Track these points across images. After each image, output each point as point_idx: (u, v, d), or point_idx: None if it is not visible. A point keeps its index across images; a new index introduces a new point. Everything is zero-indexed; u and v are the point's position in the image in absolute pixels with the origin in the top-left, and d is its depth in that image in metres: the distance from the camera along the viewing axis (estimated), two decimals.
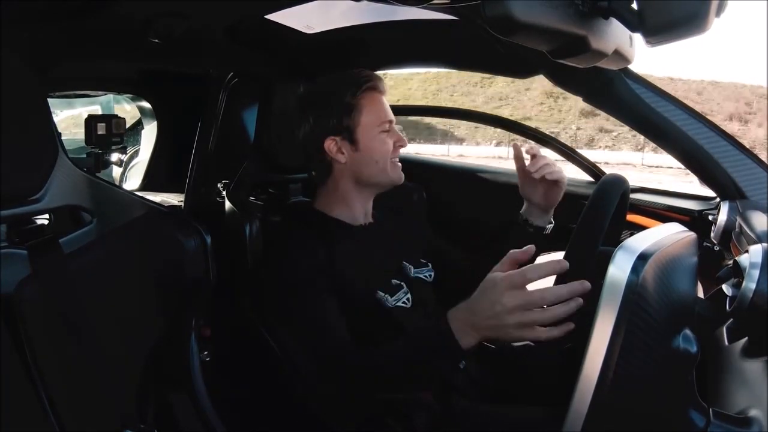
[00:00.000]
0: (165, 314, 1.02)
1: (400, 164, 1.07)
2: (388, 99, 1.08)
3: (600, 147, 23.76)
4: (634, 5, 0.54)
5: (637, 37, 0.63)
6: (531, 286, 0.72)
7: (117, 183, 1.98)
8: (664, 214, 1.28)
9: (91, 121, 1.53)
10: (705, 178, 1.10)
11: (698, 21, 0.51)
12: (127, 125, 1.84)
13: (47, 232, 0.83)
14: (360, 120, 1.03)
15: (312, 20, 1.13)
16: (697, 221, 1.19)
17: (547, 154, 1.15)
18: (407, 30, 1.19)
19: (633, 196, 1.32)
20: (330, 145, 1.04)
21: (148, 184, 1.86)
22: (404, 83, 29.90)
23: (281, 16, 1.06)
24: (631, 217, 1.26)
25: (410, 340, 0.87)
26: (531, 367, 1.07)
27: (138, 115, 2.05)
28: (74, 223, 0.99)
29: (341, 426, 1.00)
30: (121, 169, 2.06)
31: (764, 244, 0.67)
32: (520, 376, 1.06)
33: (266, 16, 1.03)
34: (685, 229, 0.65)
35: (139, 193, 1.28)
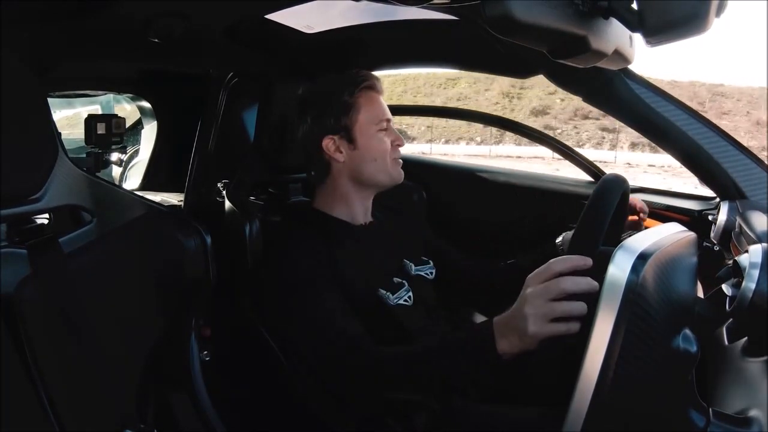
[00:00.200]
0: (165, 314, 1.02)
1: (400, 162, 1.07)
2: None
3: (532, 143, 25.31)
4: (634, 5, 0.54)
5: (637, 37, 0.63)
6: None
7: (117, 183, 1.98)
8: (664, 214, 1.28)
9: (90, 121, 1.53)
10: (705, 178, 1.10)
11: (698, 21, 0.51)
12: (127, 125, 1.84)
13: (47, 232, 0.83)
14: (357, 119, 1.03)
15: (312, 20, 1.13)
16: (697, 221, 1.19)
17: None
18: (407, 30, 1.19)
19: (633, 196, 1.32)
20: (328, 144, 1.04)
21: (148, 183, 1.86)
22: None
23: (281, 16, 1.06)
24: (631, 217, 1.26)
25: (446, 339, 0.85)
26: (531, 367, 1.07)
27: (138, 114, 2.05)
28: (74, 223, 0.99)
29: (341, 426, 1.00)
30: (121, 169, 2.06)
31: (764, 244, 0.67)
32: (520, 376, 1.06)
33: (266, 16, 1.03)
34: (685, 229, 0.65)
35: (139, 193, 1.28)
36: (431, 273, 1.11)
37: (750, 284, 0.61)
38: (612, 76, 1.05)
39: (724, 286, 0.69)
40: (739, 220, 0.99)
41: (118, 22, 0.88)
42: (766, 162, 1.07)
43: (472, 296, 1.18)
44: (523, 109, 29.12)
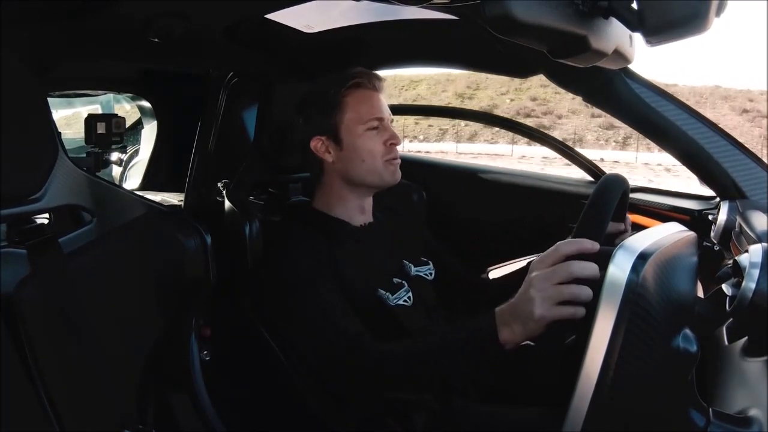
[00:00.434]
0: (165, 314, 1.02)
1: (396, 162, 1.05)
2: None
3: (480, 141, 27.74)
4: (634, 5, 0.54)
5: (637, 37, 0.63)
6: None
7: (117, 182, 1.98)
8: (664, 214, 1.28)
9: (91, 121, 1.53)
10: (705, 178, 1.10)
11: (698, 21, 0.51)
12: (127, 125, 1.84)
13: (47, 232, 0.83)
14: (343, 118, 1.02)
15: (312, 20, 1.13)
16: (697, 221, 1.19)
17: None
18: (407, 30, 1.19)
19: (633, 195, 1.32)
20: (317, 144, 1.04)
21: (148, 183, 1.86)
22: None
23: (281, 16, 1.06)
24: (631, 217, 1.26)
25: (449, 329, 0.85)
26: (531, 367, 1.07)
27: (138, 114, 2.05)
28: (74, 223, 0.99)
29: (341, 426, 1.00)
30: (121, 169, 2.06)
31: (764, 244, 0.67)
32: (520, 376, 1.06)
33: (266, 16, 1.03)
34: (685, 228, 0.65)
35: (139, 193, 1.28)
36: (431, 273, 1.11)
37: (750, 284, 0.61)
38: (612, 75, 1.05)
39: (724, 286, 0.69)
40: (739, 219, 0.99)
41: (118, 22, 0.88)
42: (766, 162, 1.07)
43: (471, 297, 1.17)
44: (471, 107, 30.73)
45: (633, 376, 0.52)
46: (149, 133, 1.91)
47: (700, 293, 0.91)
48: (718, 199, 1.13)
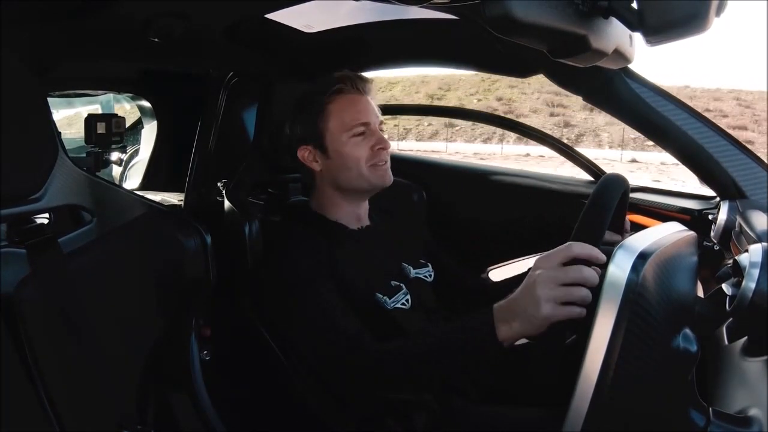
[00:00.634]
0: (165, 314, 1.02)
1: (384, 166, 1.03)
2: None
3: (440, 139, 28.11)
4: (634, 5, 0.54)
5: (637, 37, 0.63)
6: None
7: (117, 182, 1.98)
8: (664, 214, 1.28)
9: (90, 121, 1.53)
10: (705, 178, 1.10)
11: (698, 21, 0.51)
12: (127, 125, 1.84)
13: (47, 232, 0.83)
14: (327, 126, 1.01)
15: (312, 20, 1.13)
16: (697, 221, 1.19)
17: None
18: (407, 30, 1.19)
19: (633, 195, 1.32)
20: (304, 154, 1.04)
21: (148, 183, 1.86)
22: None
23: (281, 16, 1.06)
24: (631, 217, 1.26)
25: (447, 328, 0.84)
26: (531, 367, 1.06)
27: (138, 114, 2.05)
28: (74, 223, 0.99)
29: (341, 426, 1.00)
30: (121, 169, 2.05)
31: (764, 244, 0.67)
32: (520, 376, 1.06)
33: (266, 16, 1.03)
34: (685, 228, 0.65)
35: (139, 193, 1.28)
36: (430, 275, 1.10)
37: (750, 284, 0.61)
38: (612, 75, 1.05)
39: (724, 286, 0.69)
40: (739, 219, 0.99)
41: (118, 22, 0.88)
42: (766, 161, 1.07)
43: (471, 298, 1.17)
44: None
45: (633, 376, 0.52)
46: (149, 133, 1.91)
47: (700, 293, 0.91)
48: (718, 199, 1.13)
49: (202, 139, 1.27)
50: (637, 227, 1.20)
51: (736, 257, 0.68)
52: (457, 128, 28.70)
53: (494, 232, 1.56)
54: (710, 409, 0.59)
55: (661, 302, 0.55)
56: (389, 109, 1.70)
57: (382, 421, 0.95)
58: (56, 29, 0.86)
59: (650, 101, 1.06)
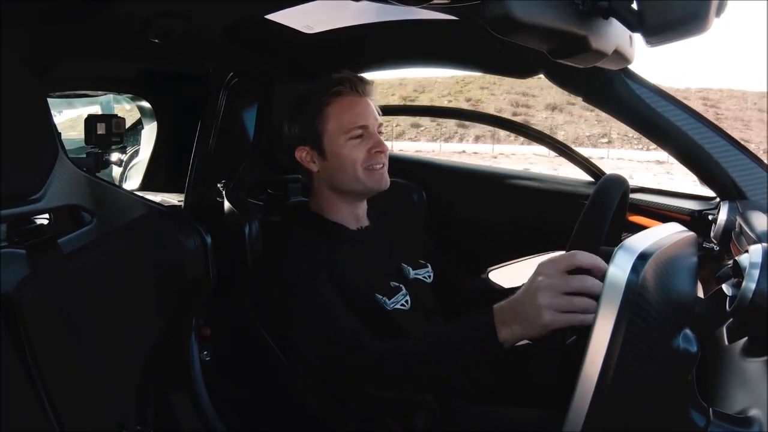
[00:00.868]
0: (165, 314, 1.02)
1: (381, 169, 1.02)
2: None
3: (406, 139, 30.30)
4: (634, 5, 0.54)
5: (637, 37, 0.63)
6: None
7: (117, 183, 1.98)
8: (663, 214, 1.28)
9: (90, 121, 1.53)
10: (705, 178, 1.10)
11: (698, 21, 0.51)
12: (127, 125, 1.84)
13: (47, 232, 0.83)
14: (325, 128, 1.01)
15: (312, 20, 1.13)
16: (697, 221, 1.19)
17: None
18: (407, 30, 1.19)
19: (633, 195, 1.32)
20: (301, 155, 1.04)
21: (148, 183, 1.86)
22: None
23: (281, 16, 1.06)
24: (631, 217, 1.26)
25: (448, 329, 0.84)
26: (531, 367, 1.07)
27: (138, 114, 2.05)
28: (74, 223, 0.99)
29: (341, 426, 1.00)
30: (121, 169, 2.05)
31: (764, 244, 0.67)
32: (520, 376, 1.06)
33: (266, 16, 1.03)
34: (685, 229, 0.65)
35: (139, 193, 1.28)
36: (429, 276, 1.10)
37: (750, 284, 0.61)
38: (612, 76, 1.05)
39: (724, 286, 0.69)
40: (739, 220, 0.99)
41: (118, 22, 0.88)
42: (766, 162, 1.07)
43: (470, 299, 1.17)
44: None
45: (633, 377, 0.52)
46: (149, 133, 1.91)
47: (700, 293, 0.91)
48: (718, 199, 1.13)
49: (202, 140, 1.27)
50: (637, 227, 1.21)
51: (736, 258, 0.68)
52: (421, 129, 31.14)
53: (494, 233, 1.55)
54: (710, 409, 0.59)
55: (661, 302, 0.55)
56: (389, 110, 1.70)
57: (382, 421, 0.95)
58: (56, 29, 0.86)
59: (650, 102, 1.06)
